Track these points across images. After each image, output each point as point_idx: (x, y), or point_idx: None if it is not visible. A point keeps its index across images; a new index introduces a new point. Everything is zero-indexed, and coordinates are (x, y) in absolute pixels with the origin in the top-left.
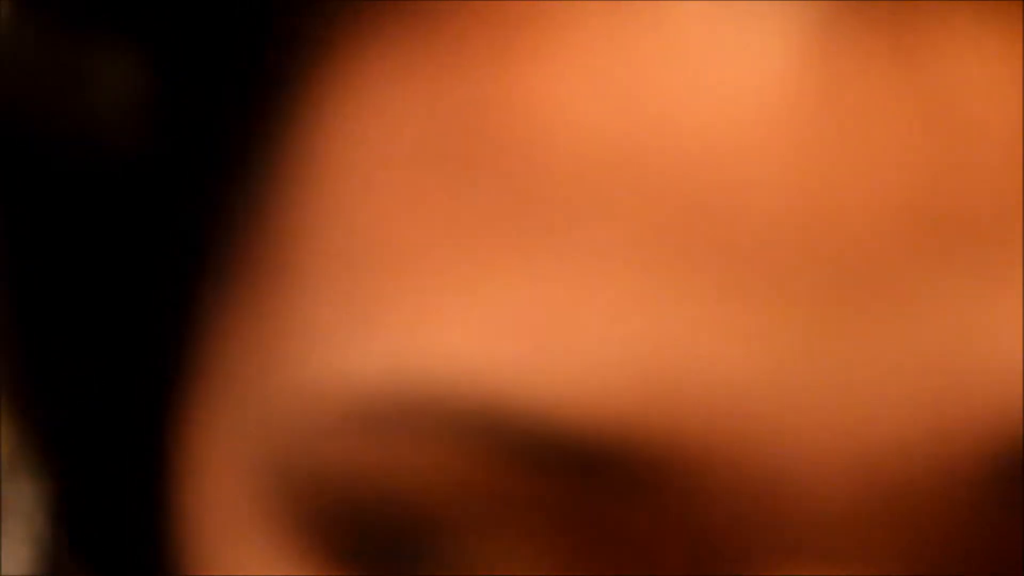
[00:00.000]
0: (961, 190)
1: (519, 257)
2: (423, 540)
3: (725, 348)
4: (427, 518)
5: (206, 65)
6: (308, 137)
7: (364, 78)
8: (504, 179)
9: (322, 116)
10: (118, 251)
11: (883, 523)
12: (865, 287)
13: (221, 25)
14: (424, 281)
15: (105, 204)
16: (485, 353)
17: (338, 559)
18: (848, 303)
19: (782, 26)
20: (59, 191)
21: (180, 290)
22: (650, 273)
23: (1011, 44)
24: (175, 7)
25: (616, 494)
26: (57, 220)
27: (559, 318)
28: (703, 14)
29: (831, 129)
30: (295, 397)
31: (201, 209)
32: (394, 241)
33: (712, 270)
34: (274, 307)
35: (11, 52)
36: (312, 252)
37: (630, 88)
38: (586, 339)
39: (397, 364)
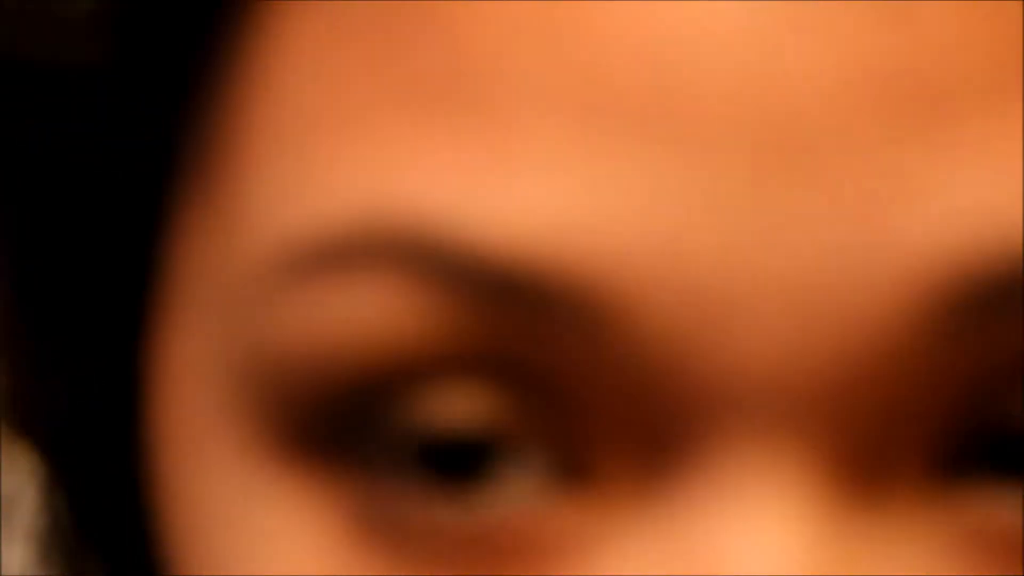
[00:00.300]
0: (909, 57)
1: (464, 109)
2: (387, 405)
3: (662, 197)
4: (387, 374)
5: None
6: (256, 29)
7: None
8: (447, 35)
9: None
10: (81, 170)
11: (821, 378)
12: (805, 144)
13: None
14: (370, 135)
15: (67, 119)
16: (430, 192)
17: (309, 451)
18: (789, 159)
19: None
20: (23, 105)
21: (147, 201)
22: (589, 125)
23: None
24: None
25: (554, 334)
26: (16, 134)
27: (500, 162)
28: None
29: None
30: (251, 267)
31: (160, 115)
32: (339, 105)
33: (655, 123)
34: (229, 192)
35: None
36: (261, 130)
37: None
38: (523, 182)
39: (346, 207)
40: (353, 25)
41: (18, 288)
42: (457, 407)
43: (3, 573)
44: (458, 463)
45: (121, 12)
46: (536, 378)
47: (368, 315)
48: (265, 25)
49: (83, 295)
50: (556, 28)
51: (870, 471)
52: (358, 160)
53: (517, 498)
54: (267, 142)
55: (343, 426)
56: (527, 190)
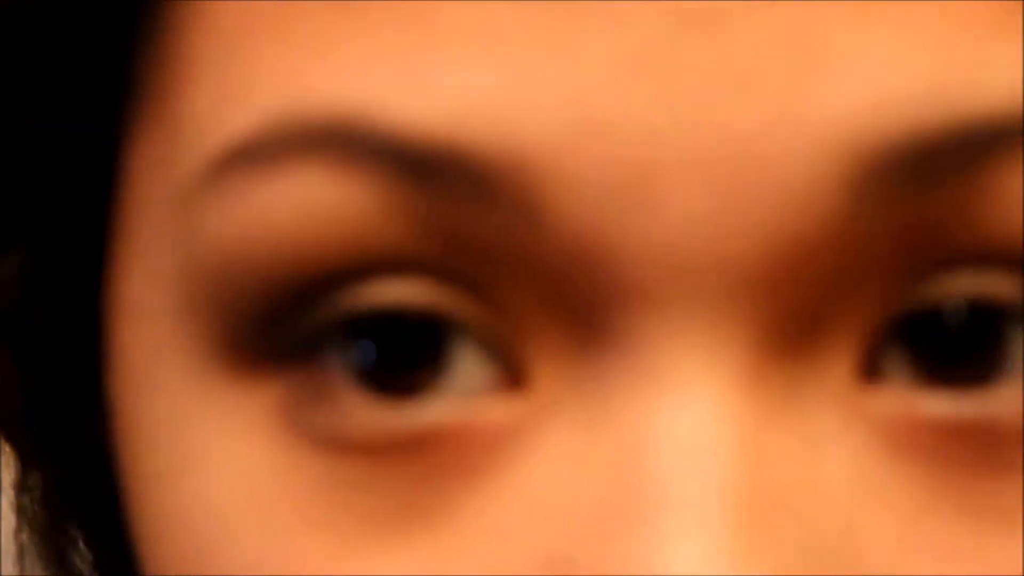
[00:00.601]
0: None
1: (386, 10)
2: (321, 300)
3: (575, 69)
4: (318, 266)
5: None
6: None
7: None
8: None
9: None
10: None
11: (747, 252)
12: (724, 5)
13: None
14: (288, 36)
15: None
16: (348, 81)
17: (247, 355)
18: (705, 20)
19: None
20: None
21: (106, 129)
22: (498, 3)
23: None
24: None
25: (478, 216)
26: None
27: (413, 48)
28: None
29: None
30: (187, 174)
31: (110, 42)
32: (258, 12)
33: (563, 6)
34: (171, 108)
35: None
36: (196, 45)
37: None
38: (436, 64)
39: (269, 105)
40: None
41: None
42: (391, 298)
43: None
44: (395, 365)
45: None
46: (465, 265)
47: (293, 206)
48: None
49: (50, 229)
50: None
51: (797, 349)
52: (278, 60)
53: (453, 397)
54: (201, 55)
55: (281, 326)
56: (440, 72)
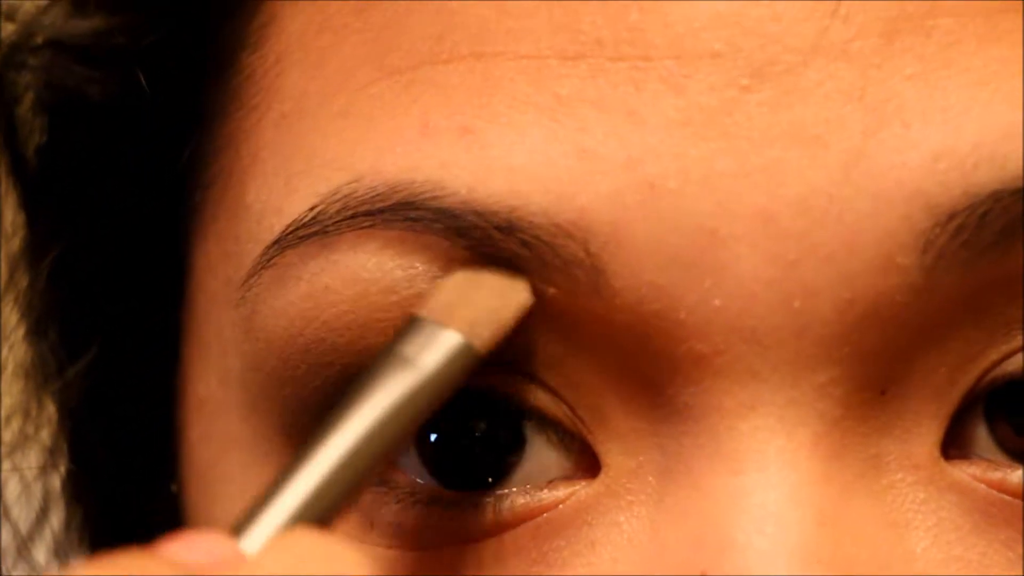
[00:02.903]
0: None
1: (444, 73)
2: None
3: (638, 134)
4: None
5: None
6: (250, 40)
7: None
8: (424, 8)
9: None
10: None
11: (813, 318)
12: (787, 65)
13: None
14: (355, 111)
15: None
16: (411, 156)
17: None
18: (768, 82)
19: None
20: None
21: (173, 210)
22: (564, 74)
23: None
24: None
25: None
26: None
27: (483, 119)
28: None
29: None
30: (248, 251)
31: (175, 132)
32: (323, 90)
33: (625, 63)
34: (235, 189)
35: None
36: (259, 127)
37: None
38: (503, 136)
39: (339, 179)
40: (338, 13)
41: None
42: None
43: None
44: (461, 453)
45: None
46: (535, 335)
47: (351, 283)
48: (257, 36)
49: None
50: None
51: (876, 418)
52: (335, 140)
53: (522, 485)
54: (261, 143)
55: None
56: (499, 143)
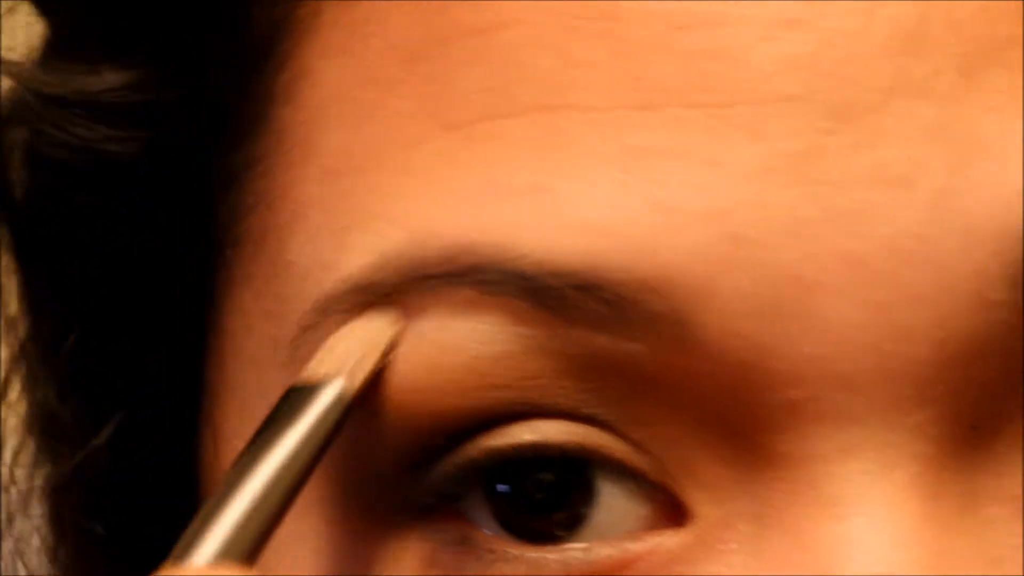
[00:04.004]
0: (967, 9)
1: (512, 124)
2: (458, 453)
3: (720, 184)
4: (454, 418)
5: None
6: (286, 87)
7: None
8: (490, 56)
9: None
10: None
11: (906, 361)
12: (867, 105)
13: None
14: (415, 167)
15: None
16: (478, 214)
17: (395, 516)
18: (849, 123)
19: None
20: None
21: (199, 270)
22: (637, 124)
23: None
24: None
25: (628, 341)
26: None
27: (556, 174)
28: None
29: None
30: (301, 316)
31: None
32: (377, 142)
33: (702, 112)
34: (278, 245)
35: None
36: (302, 182)
37: None
38: (580, 189)
39: (400, 241)
40: (381, 65)
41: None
42: (527, 440)
43: None
44: (538, 508)
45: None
46: (610, 401)
47: (416, 349)
48: (289, 90)
49: (141, 368)
50: (592, 35)
51: (973, 457)
52: (390, 195)
53: (605, 537)
54: (304, 198)
55: (414, 480)
56: (572, 196)
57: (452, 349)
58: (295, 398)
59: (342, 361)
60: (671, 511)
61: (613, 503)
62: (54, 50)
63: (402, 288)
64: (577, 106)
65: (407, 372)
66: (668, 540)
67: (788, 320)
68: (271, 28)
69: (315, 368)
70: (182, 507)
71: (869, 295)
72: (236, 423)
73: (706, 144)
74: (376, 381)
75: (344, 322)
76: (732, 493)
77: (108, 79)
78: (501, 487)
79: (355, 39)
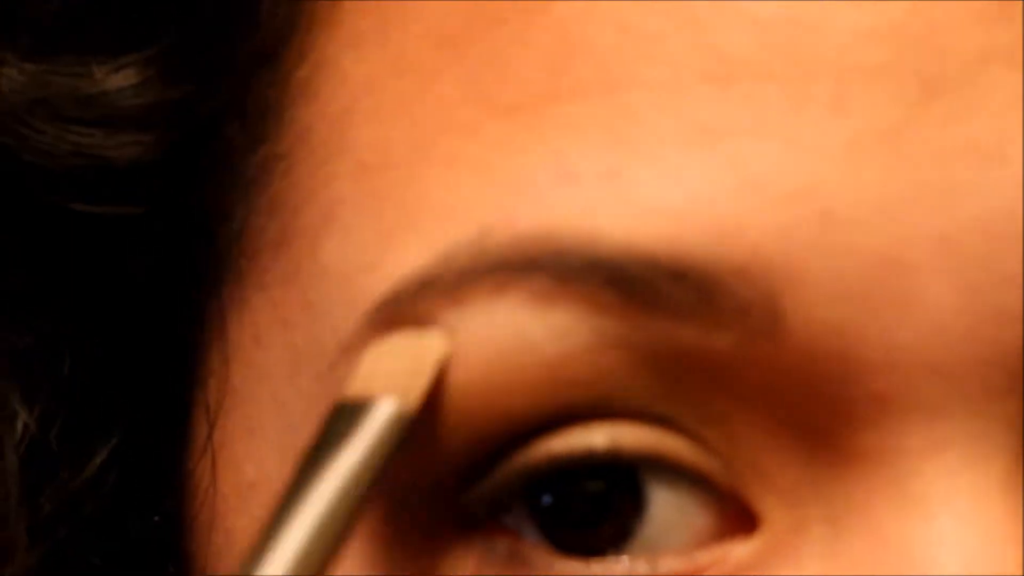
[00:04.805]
0: None
1: (577, 107)
2: (512, 460)
3: (803, 163)
4: (522, 420)
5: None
6: (315, 87)
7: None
8: (549, 36)
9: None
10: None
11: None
12: (957, 73)
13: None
14: (474, 154)
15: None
16: (551, 201)
17: (440, 532)
18: (939, 93)
19: None
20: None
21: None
22: (711, 103)
23: None
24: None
25: (714, 325)
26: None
27: (626, 158)
28: None
29: None
30: (342, 329)
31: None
32: (432, 130)
33: (780, 88)
34: (299, 265)
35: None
36: (337, 180)
37: None
38: (656, 174)
39: (461, 230)
40: (417, 53)
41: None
42: (589, 445)
43: None
44: (590, 520)
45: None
46: (686, 400)
47: (485, 345)
48: (308, 87)
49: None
50: (654, 4)
51: None
52: (446, 187)
53: (662, 548)
54: (338, 199)
55: (464, 493)
56: (650, 178)
57: (524, 345)
58: (347, 415)
59: (392, 376)
60: (738, 518)
61: (667, 513)
62: (36, 49)
63: (467, 282)
64: (645, 83)
65: (473, 373)
66: (737, 548)
67: (882, 305)
68: (284, 21)
69: (365, 384)
70: (173, 532)
71: (963, 277)
72: (241, 442)
73: (787, 120)
74: (433, 389)
75: (397, 329)
76: (805, 495)
77: (106, 81)
78: (546, 499)
79: (385, 27)
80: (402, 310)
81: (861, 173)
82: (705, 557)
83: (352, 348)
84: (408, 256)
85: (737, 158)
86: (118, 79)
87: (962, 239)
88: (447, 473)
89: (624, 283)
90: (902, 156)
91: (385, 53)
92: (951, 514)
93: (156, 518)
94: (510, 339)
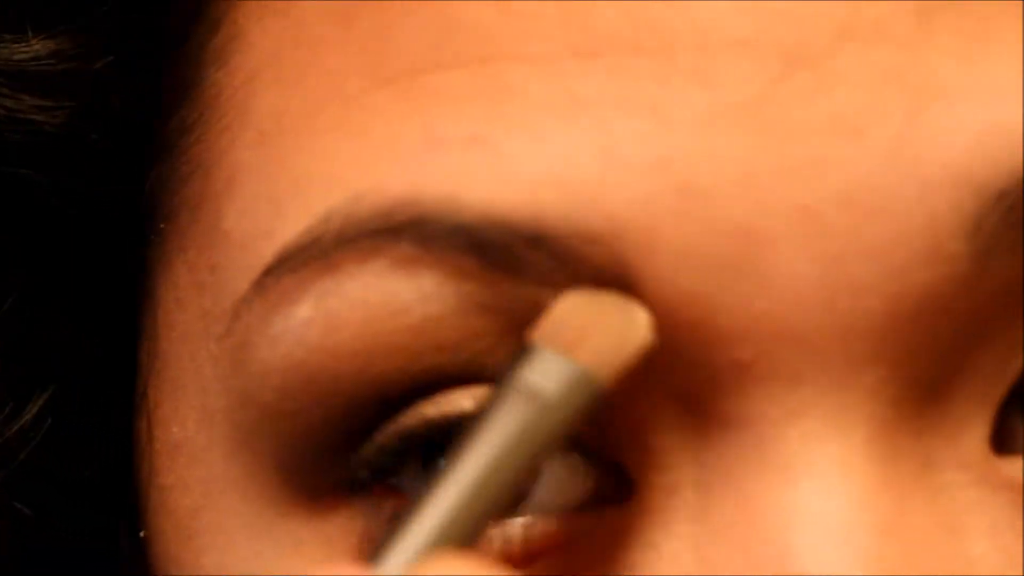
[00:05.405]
0: None
1: (452, 78)
2: (398, 419)
3: (666, 134)
4: (395, 380)
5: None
6: (216, 53)
7: None
8: (418, 13)
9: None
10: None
11: (858, 316)
12: (820, 49)
13: None
14: (353, 123)
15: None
16: (420, 169)
17: (328, 488)
18: (800, 68)
19: None
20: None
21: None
22: (580, 75)
23: None
24: None
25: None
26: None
27: (497, 126)
28: None
29: None
30: (239, 284)
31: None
32: (308, 101)
33: (646, 60)
34: (210, 216)
35: None
36: (235, 146)
37: None
38: (523, 141)
39: (337, 197)
40: (316, 25)
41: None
42: (467, 408)
43: None
44: None
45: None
46: None
47: (356, 308)
48: (222, 53)
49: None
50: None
51: (928, 418)
52: (330, 155)
53: (546, 511)
54: (238, 165)
55: (348, 449)
56: (517, 147)
57: (393, 310)
58: (551, 367)
59: (599, 352)
60: (616, 482)
61: (554, 478)
62: None
63: (341, 247)
64: (518, 56)
65: (344, 337)
66: (612, 512)
67: (737, 275)
68: None
69: (573, 342)
70: (115, 488)
71: (822, 249)
72: (169, 402)
73: (652, 92)
74: (303, 337)
75: (286, 288)
76: (678, 459)
77: (33, 47)
78: (442, 462)
79: (289, 1)
80: (283, 276)
81: (721, 145)
82: (581, 520)
83: (241, 313)
84: (295, 223)
85: (600, 128)
86: (45, 46)
87: (821, 211)
88: (331, 437)
89: (484, 249)
90: (763, 129)
91: (287, 23)
92: (813, 480)
93: (87, 471)
94: (379, 304)
